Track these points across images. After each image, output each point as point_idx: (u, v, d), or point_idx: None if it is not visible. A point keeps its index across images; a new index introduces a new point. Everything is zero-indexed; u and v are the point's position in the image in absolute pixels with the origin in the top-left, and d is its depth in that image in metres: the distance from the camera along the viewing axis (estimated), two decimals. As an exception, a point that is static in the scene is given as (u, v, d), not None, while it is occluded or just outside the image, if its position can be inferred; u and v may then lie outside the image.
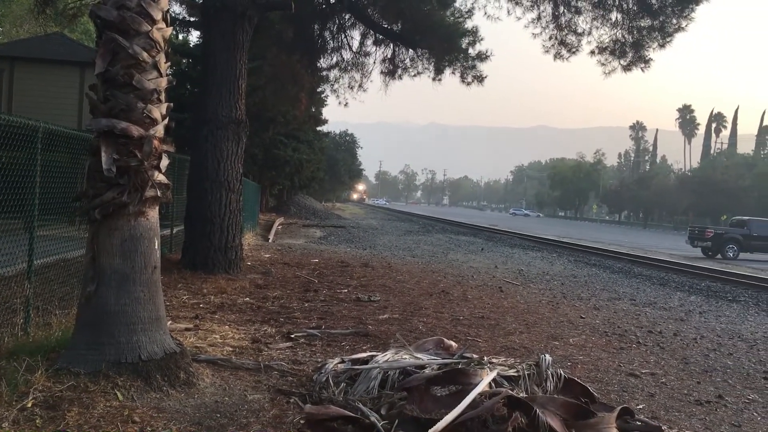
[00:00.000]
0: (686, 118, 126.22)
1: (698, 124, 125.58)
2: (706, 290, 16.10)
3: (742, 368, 7.82)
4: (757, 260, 30.54)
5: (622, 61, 15.19)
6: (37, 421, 4.18)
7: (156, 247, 5.43)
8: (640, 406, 5.86)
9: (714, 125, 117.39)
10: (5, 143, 5.95)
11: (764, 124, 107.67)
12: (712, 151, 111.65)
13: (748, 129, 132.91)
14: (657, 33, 14.42)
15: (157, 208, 5.52)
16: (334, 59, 19.23)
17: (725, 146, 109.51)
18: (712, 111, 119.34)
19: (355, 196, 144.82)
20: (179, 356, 5.32)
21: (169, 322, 6.63)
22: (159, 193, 5.40)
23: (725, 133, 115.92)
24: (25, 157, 6.46)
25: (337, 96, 20.22)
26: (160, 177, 5.45)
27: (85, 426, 4.20)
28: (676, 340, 9.24)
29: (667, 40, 14.36)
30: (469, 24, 17.27)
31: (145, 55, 5.31)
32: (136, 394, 4.80)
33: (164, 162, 5.51)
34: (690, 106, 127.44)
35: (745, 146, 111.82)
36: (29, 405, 4.34)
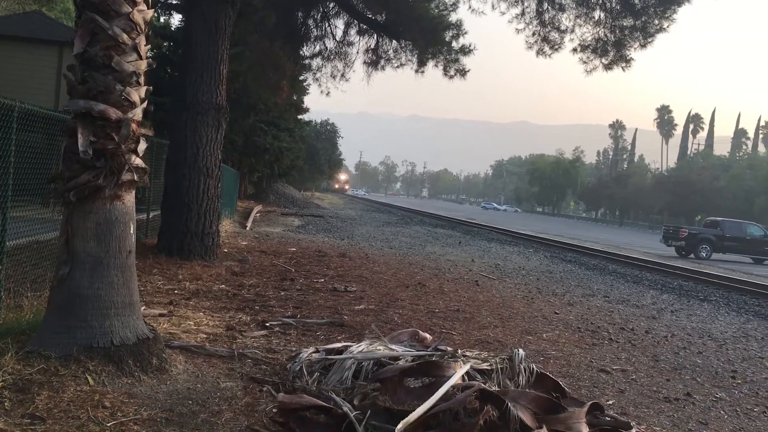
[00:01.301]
0: (664, 118, 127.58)
1: (676, 125, 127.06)
2: (678, 289, 16.31)
3: (711, 367, 7.94)
4: (729, 261, 31.01)
5: (603, 60, 15.29)
6: (6, 403, 4.13)
7: (131, 231, 5.38)
8: (610, 402, 5.94)
9: (691, 126, 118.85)
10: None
11: (740, 126, 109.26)
12: (689, 152, 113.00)
13: (724, 131, 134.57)
14: (639, 33, 14.52)
15: (134, 192, 5.46)
16: (317, 48, 19.16)
17: (702, 147, 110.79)
18: (690, 112, 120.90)
19: (336, 186, 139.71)
20: (152, 342, 5.28)
21: (143, 307, 6.58)
22: (136, 177, 5.34)
23: (702, 134, 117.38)
24: (-1, 136, 6.36)
25: (319, 85, 20.16)
26: (138, 161, 5.39)
27: (55, 410, 4.15)
28: (647, 338, 9.36)
29: (649, 40, 14.48)
30: (453, 17, 17.30)
31: (125, 36, 5.24)
32: (107, 379, 4.76)
33: (142, 146, 5.45)
34: (668, 106, 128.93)
35: (722, 148, 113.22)
36: (-2, 388, 4.29)
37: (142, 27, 5.41)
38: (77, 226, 5.10)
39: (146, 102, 5.53)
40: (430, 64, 17.86)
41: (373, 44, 18.42)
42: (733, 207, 69.44)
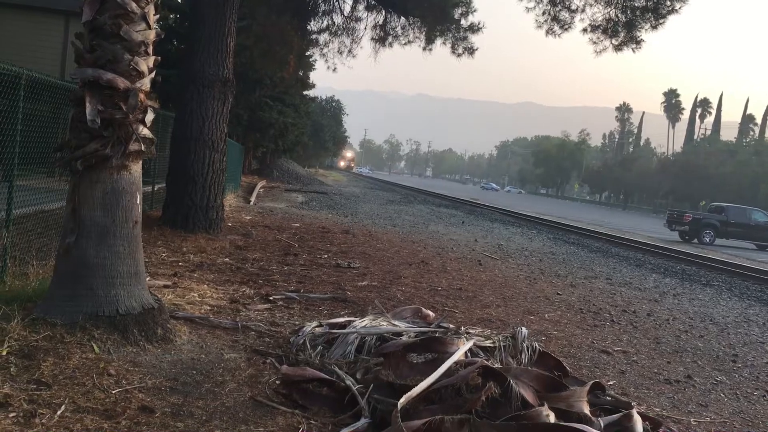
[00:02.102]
0: (672, 102, 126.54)
1: (683, 109, 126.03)
2: (681, 273, 16.32)
3: (712, 350, 7.97)
4: (732, 246, 31.00)
5: (613, 41, 15.15)
6: (12, 369, 4.17)
7: (138, 201, 5.38)
8: (611, 382, 5.97)
9: (699, 111, 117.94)
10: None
11: (748, 112, 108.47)
12: (695, 137, 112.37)
13: (732, 116, 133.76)
14: (650, 14, 14.38)
15: (141, 162, 5.46)
16: (325, 23, 19.04)
17: (709, 132, 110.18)
18: (697, 96, 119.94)
19: (342, 164, 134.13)
20: (157, 312, 5.31)
21: (148, 278, 6.60)
22: (143, 148, 5.33)
23: (709, 119, 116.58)
24: (6, 104, 6.35)
25: (326, 60, 20.06)
26: (145, 131, 5.38)
27: (60, 376, 4.19)
28: (649, 321, 9.39)
29: (660, 21, 14.34)
30: (463, -6, 17.13)
31: (134, 5, 5.20)
32: (112, 347, 4.79)
33: (149, 116, 5.43)
34: (676, 90, 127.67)
35: (729, 133, 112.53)
36: (4, 353, 4.32)
37: (151, -4, 5.37)
38: (84, 195, 5.10)
39: (154, 72, 5.51)
40: (438, 41, 17.74)
41: (381, 20, 18.29)
42: (738, 193, 69.27)
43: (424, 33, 17.80)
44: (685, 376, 6.63)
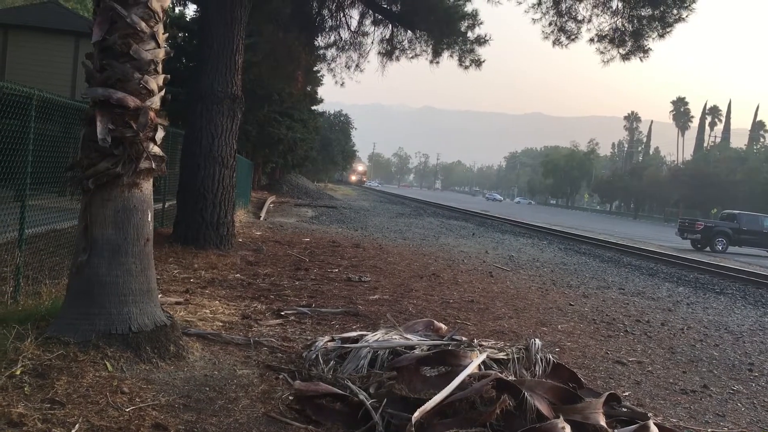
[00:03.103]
0: (681, 110, 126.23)
1: (692, 117, 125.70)
2: (694, 282, 16.21)
3: (728, 359, 7.89)
4: (745, 254, 30.79)
5: (621, 50, 15.14)
6: (26, 388, 4.17)
7: (149, 219, 5.41)
8: (627, 393, 5.92)
9: (708, 118, 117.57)
10: (-1, 110, 5.89)
11: (758, 119, 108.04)
12: (705, 145, 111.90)
13: (742, 123, 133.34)
14: (657, 23, 14.37)
15: (151, 180, 5.49)
16: (332, 38, 19.11)
17: (719, 140, 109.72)
18: (706, 104, 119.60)
19: (353, 178, 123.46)
20: (169, 329, 5.32)
21: (160, 295, 6.61)
22: (154, 165, 5.36)
23: (719, 126, 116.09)
24: (18, 125, 6.40)
25: (334, 75, 20.10)
26: (155, 149, 5.41)
27: (74, 395, 4.19)
28: (663, 330, 9.31)
29: (667, 30, 14.33)
30: (469, 7, 17.21)
31: (143, 24, 5.25)
32: (125, 365, 4.80)
33: (160, 134, 5.47)
34: (684, 98, 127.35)
35: (739, 141, 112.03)
36: (18, 372, 4.33)
37: (160, 15, 5.42)
38: (96, 213, 5.13)
39: (164, 90, 5.55)
40: (445, 54, 17.77)
41: (388, 34, 18.36)
42: (750, 200, 68.81)
43: (431, 46, 17.85)
44: (701, 385, 6.56)
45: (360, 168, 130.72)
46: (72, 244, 6.20)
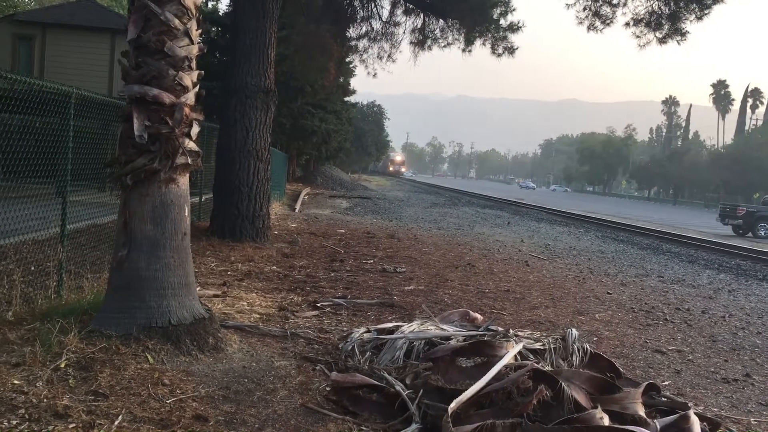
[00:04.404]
0: (720, 93, 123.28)
1: (733, 100, 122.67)
2: (735, 268, 15.89)
3: (771, 348, 7.73)
4: (789, 239, 30.02)
5: (657, 34, 14.84)
6: (70, 381, 4.28)
7: (186, 213, 5.49)
8: (666, 383, 5.84)
9: (750, 101, 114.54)
10: (39, 108, 6.02)
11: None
12: (746, 128, 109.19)
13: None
14: (695, 4, 14.05)
15: (188, 175, 5.56)
16: (364, 29, 19.08)
17: (761, 123, 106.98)
18: (748, 87, 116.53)
19: (391, 169, 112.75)
20: (208, 322, 5.40)
21: (198, 288, 6.71)
22: (189, 161, 5.43)
23: (761, 109, 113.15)
24: (57, 122, 6.54)
25: (366, 66, 20.07)
26: (191, 144, 5.48)
27: (117, 387, 4.29)
28: (703, 318, 9.16)
29: (705, 12, 14.00)
30: (501, -7, 16.99)
31: (176, 22, 5.31)
32: (165, 358, 4.89)
33: (195, 129, 5.53)
34: (725, 81, 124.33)
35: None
36: (62, 365, 4.44)
37: (193, 12, 5.48)
38: (134, 209, 5.23)
39: (198, 86, 5.61)
40: (478, 42, 17.62)
41: (419, 24, 18.27)
42: (793, 184, 67.09)
43: (463, 34, 17.72)
44: (744, 374, 6.44)
45: (398, 158, 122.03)
46: (112, 239, 6.33)
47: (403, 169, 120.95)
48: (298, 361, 5.41)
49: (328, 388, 4.73)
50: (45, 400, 3.92)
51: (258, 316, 6.84)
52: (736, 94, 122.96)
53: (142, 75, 5.24)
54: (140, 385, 4.37)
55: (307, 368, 5.25)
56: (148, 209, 5.23)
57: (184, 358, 4.99)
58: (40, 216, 6.44)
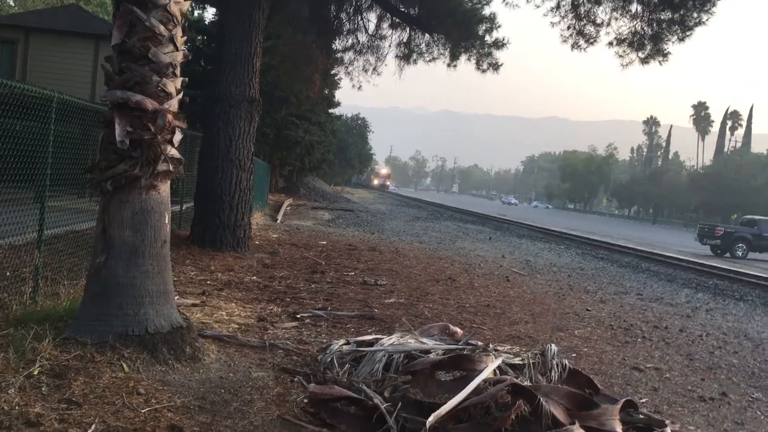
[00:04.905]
0: (701, 115, 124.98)
1: (713, 122, 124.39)
2: (713, 288, 16.03)
3: (747, 367, 7.79)
4: (766, 260, 30.38)
5: (640, 54, 15.03)
6: (43, 388, 4.21)
7: (166, 221, 5.44)
8: (644, 400, 5.86)
9: (729, 123, 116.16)
10: (20, 112, 5.95)
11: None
12: (725, 150, 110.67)
13: (763, 128, 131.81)
14: (677, 26, 14.25)
15: (169, 182, 5.52)
16: (350, 41, 19.13)
17: (739, 145, 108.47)
18: (728, 109, 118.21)
19: (375, 182, 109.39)
20: (186, 331, 5.35)
21: (177, 297, 6.65)
22: (171, 168, 5.40)
23: (740, 131, 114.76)
24: (38, 127, 6.47)
25: (351, 78, 20.11)
26: (173, 151, 5.45)
27: (91, 395, 4.22)
28: (681, 336, 9.22)
29: (687, 33, 14.20)
30: (486, 10, 17.11)
31: (162, 28, 5.29)
32: (141, 366, 4.82)
33: (177, 137, 5.50)
34: (705, 103, 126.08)
35: (760, 146, 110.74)
36: (36, 373, 4.37)
37: (179, 19, 5.46)
38: (114, 215, 5.17)
39: (182, 93, 5.58)
40: (463, 57, 17.72)
41: (405, 38, 18.35)
42: (770, 206, 67.93)
43: (448, 49, 17.82)
44: (720, 393, 6.48)
45: (384, 171, 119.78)
46: (90, 246, 6.25)
47: (388, 183, 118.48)
48: (276, 373, 5.36)
49: (305, 400, 4.68)
50: (17, 408, 3.85)
51: (237, 326, 6.78)
52: (716, 116, 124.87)
53: (125, 80, 5.21)
54: (115, 394, 4.30)
55: (285, 379, 5.20)
56: (127, 216, 5.18)
57: (161, 367, 4.93)
58: (16, 221, 6.34)
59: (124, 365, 4.75)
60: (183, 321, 5.46)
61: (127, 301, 5.11)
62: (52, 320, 5.26)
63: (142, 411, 4.12)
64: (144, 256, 5.22)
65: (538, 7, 15.62)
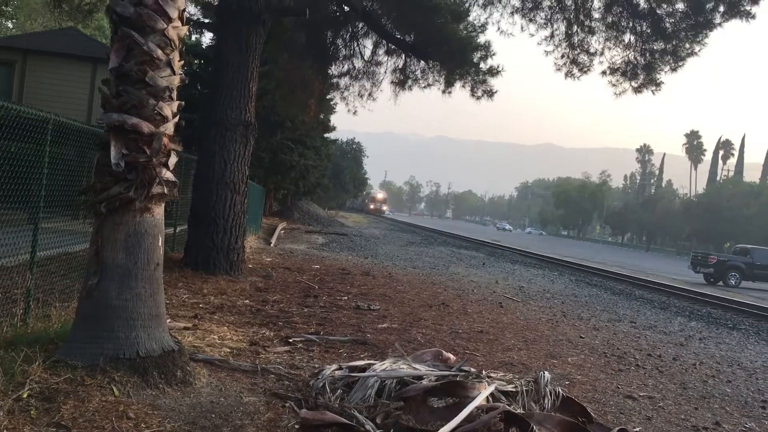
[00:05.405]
0: (693, 143, 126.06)
1: (705, 150, 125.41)
2: (706, 316, 16.03)
3: (741, 396, 7.77)
4: (759, 289, 30.44)
5: (633, 83, 15.21)
6: (32, 412, 4.17)
7: (160, 244, 5.43)
8: (637, 429, 5.83)
9: (721, 152, 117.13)
10: (16, 134, 5.96)
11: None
12: (718, 178, 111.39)
13: (755, 158, 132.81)
14: (669, 57, 14.44)
15: (163, 205, 5.52)
16: (346, 67, 19.29)
17: (732, 173, 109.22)
18: (720, 138, 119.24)
19: (371, 207, 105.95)
20: (177, 354, 5.31)
21: (168, 320, 6.61)
22: (166, 190, 5.40)
23: (732, 160, 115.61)
24: (33, 149, 6.48)
25: (347, 104, 20.25)
26: (168, 174, 5.46)
27: (80, 419, 4.18)
28: (675, 365, 9.20)
29: (680, 64, 14.39)
30: (481, 38, 17.30)
31: (159, 52, 5.33)
32: (132, 390, 4.78)
33: (172, 160, 5.52)
34: (698, 131, 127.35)
35: (752, 175, 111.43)
36: (25, 396, 4.33)
37: (176, 43, 5.50)
38: (107, 237, 5.16)
39: (178, 117, 5.61)
40: (458, 84, 17.88)
41: (401, 64, 18.52)
42: (763, 234, 68.20)
43: (443, 76, 17.98)
44: (713, 422, 6.46)
45: (380, 195, 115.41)
46: (83, 268, 6.23)
47: (384, 208, 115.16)
48: (267, 398, 5.33)
49: (297, 426, 4.65)
50: (5, 431, 3.81)
51: (228, 350, 6.74)
52: (709, 144, 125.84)
53: (122, 103, 5.23)
54: (104, 418, 4.26)
55: (276, 405, 5.16)
56: (121, 238, 5.17)
57: (151, 391, 4.89)
58: (9, 242, 6.32)
59: (115, 389, 4.71)
60: (174, 344, 5.43)
61: (119, 324, 5.08)
62: (43, 342, 5.21)
63: (132, 436, 4.08)
64: (137, 279, 5.20)
65: (532, 35, 15.86)
